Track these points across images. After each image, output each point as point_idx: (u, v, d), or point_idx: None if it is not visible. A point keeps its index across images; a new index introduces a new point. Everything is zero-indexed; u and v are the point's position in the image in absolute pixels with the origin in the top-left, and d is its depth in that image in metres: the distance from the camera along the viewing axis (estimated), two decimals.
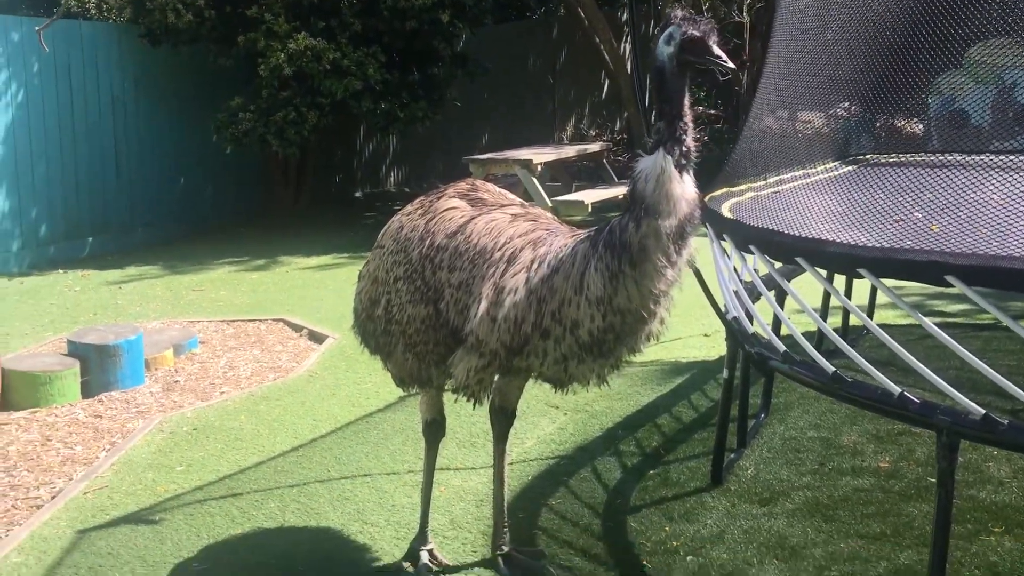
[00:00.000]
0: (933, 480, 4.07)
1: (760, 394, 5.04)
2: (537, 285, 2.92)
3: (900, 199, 3.98)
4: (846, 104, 5.85)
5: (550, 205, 9.97)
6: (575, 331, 2.89)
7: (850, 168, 5.58)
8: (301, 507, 4.24)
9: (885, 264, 2.77)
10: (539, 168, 10.51)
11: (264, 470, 4.70)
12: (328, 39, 10.83)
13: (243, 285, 9.32)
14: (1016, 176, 3.82)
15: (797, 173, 5.02)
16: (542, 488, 4.32)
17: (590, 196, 10.46)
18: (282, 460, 4.81)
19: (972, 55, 6.10)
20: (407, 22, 11.12)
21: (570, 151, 11.68)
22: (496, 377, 3.13)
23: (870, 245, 2.86)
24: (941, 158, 5.81)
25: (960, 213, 3.56)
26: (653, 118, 2.89)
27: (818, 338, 5.45)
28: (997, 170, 4.46)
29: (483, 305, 2.94)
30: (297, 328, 7.54)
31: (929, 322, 2.83)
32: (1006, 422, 2.59)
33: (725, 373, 4.10)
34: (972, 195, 3.96)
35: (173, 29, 10.96)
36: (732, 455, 4.45)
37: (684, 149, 2.76)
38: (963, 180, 4.31)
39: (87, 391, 5.91)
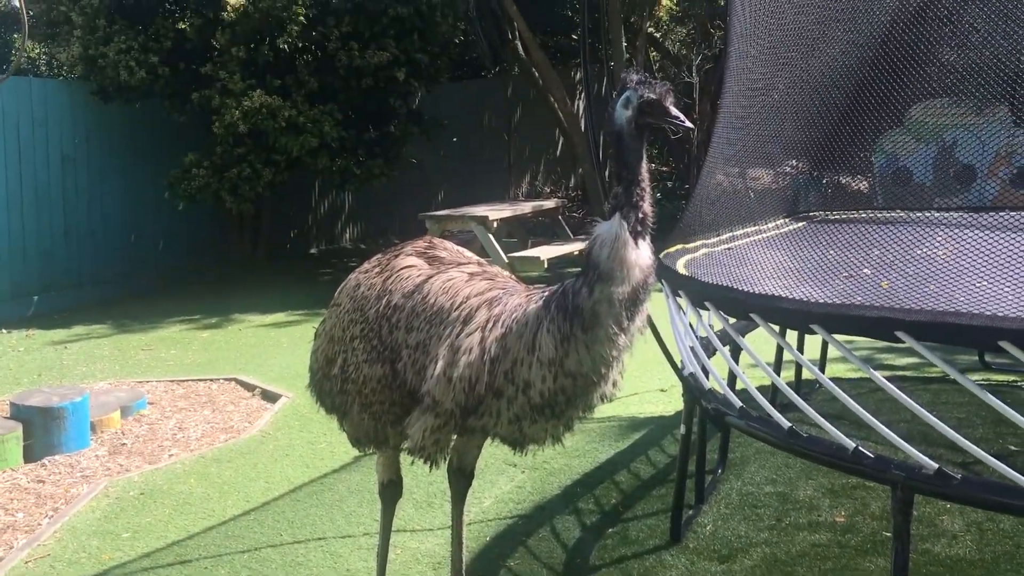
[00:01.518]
0: (888, 534, 4.11)
1: (717, 449, 5.05)
2: (491, 345, 2.91)
3: (849, 255, 4.07)
4: (794, 162, 5.99)
5: (506, 261, 10.00)
6: (527, 391, 2.87)
7: (799, 224, 5.69)
8: (252, 573, 4.13)
9: (837, 320, 2.81)
10: (495, 224, 10.56)
11: (214, 535, 4.57)
12: (284, 96, 10.85)
13: (194, 344, 9.17)
14: (959, 232, 3.93)
15: (749, 229, 5.11)
16: (500, 548, 4.25)
17: (546, 252, 10.51)
18: (233, 524, 4.69)
19: (913, 115, 6.30)
20: (363, 80, 11.21)
21: (526, 207, 11.77)
22: (454, 437, 3.09)
23: (822, 301, 2.91)
24: (886, 215, 5.97)
25: (907, 269, 3.65)
26: (610, 181, 2.92)
27: (772, 393, 5.50)
28: (941, 226, 4.59)
29: (439, 365, 2.92)
30: (250, 387, 7.42)
31: (880, 376, 2.87)
32: (959, 476, 2.62)
33: (682, 429, 4.11)
34: (918, 251, 4.07)
35: (126, 86, 10.91)
36: (690, 511, 4.43)
37: (640, 215, 2.77)
38: (908, 236, 4.43)
39: (30, 455, 5.73)
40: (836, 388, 2.87)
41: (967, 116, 6.54)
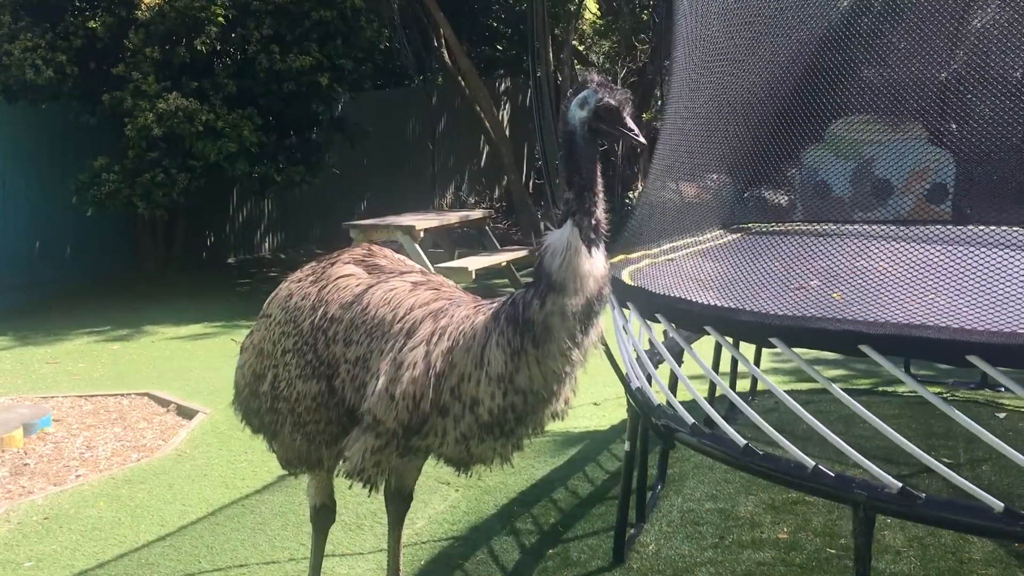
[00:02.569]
0: (832, 551, 4.06)
1: (655, 464, 4.94)
2: (436, 359, 2.72)
3: (792, 267, 4.00)
4: (722, 175, 5.97)
5: (433, 272, 9.79)
6: (475, 409, 2.69)
7: (735, 236, 5.65)
8: None
9: (797, 333, 2.71)
10: (422, 234, 10.35)
11: (126, 564, 4.25)
12: (201, 100, 10.45)
13: (104, 357, 8.70)
14: (890, 245, 3.90)
15: (688, 240, 5.04)
16: (436, 573, 4.05)
17: (474, 263, 10.35)
18: (147, 552, 4.37)
19: (834, 130, 6.35)
20: (284, 84, 10.88)
21: (452, 217, 11.58)
22: (395, 459, 2.89)
23: (781, 314, 2.80)
24: (813, 227, 5.98)
25: (855, 281, 3.59)
26: (560, 188, 2.77)
27: (714, 407, 5.42)
28: (868, 239, 4.58)
29: (381, 382, 2.72)
30: (164, 403, 7.04)
31: (840, 390, 2.78)
32: (923, 496, 2.53)
33: (627, 446, 3.97)
34: (859, 263, 4.03)
35: (31, 86, 10.38)
36: (632, 530, 4.30)
37: (594, 222, 2.62)
38: (845, 249, 4.39)
39: None
40: (795, 404, 2.77)
41: (884, 132, 6.65)
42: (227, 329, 9.60)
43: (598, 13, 18.44)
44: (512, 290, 11.60)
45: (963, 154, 5.62)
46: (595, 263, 2.61)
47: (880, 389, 6.76)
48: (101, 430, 6.44)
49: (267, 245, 15.04)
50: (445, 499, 4.85)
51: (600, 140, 2.75)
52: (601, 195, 2.70)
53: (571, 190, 2.65)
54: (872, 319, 2.60)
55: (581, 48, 18.86)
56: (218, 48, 10.92)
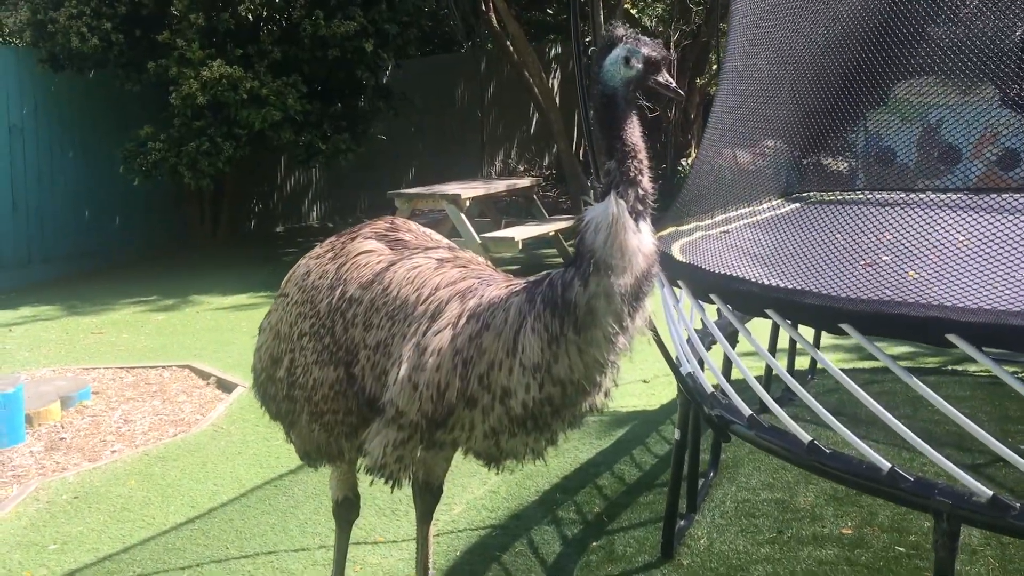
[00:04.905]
0: (901, 549, 3.74)
1: (708, 449, 4.65)
2: (463, 343, 2.45)
3: (858, 241, 3.64)
4: (779, 142, 5.61)
5: (479, 242, 9.52)
6: (505, 401, 2.42)
7: (794, 206, 5.28)
8: None
9: (873, 319, 2.39)
10: (467, 203, 10.06)
11: (152, 548, 4.10)
12: (245, 67, 10.27)
13: (148, 327, 8.63)
14: (963, 216, 3.52)
15: (743, 211, 4.69)
16: (472, 566, 3.81)
17: (521, 233, 10.03)
18: (174, 535, 4.22)
19: (898, 93, 5.91)
20: (329, 51, 10.64)
21: (499, 186, 11.26)
22: (419, 453, 2.63)
23: (853, 297, 2.48)
24: (875, 196, 5.57)
25: (931, 258, 3.23)
26: (601, 157, 2.48)
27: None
28: (937, 209, 4.19)
29: (403, 369, 2.46)
30: (204, 376, 6.92)
31: (905, 371, 2.46)
32: (1018, 505, 2.21)
33: (677, 434, 3.68)
34: (933, 237, 3.65)
35: (77, 54, 10.31)
36: (682, 522, 4.02)
37: (640, 192, 2.33)
38: (914, 220, 4.00)
39: None
40: (867, 397, 2.45)
41: (953, 96, 6.20)
42: (271, 299, 9.38)
43: None
44: (560, 261, 11.29)
45: None
46: (643, 238, 2.33)
47: (949, 368, 6.35)
48: (140, 403, 6.34)
49: (314, 215, 14.92)
50: (484, 483, 4.61)
51: (646, 102, 2.47)
52: (646, 163, 2.40)
53: (613, 159, 2.36)
54: (961, 304, 2.27)
55: (633, 11, 18.32)
56: (263, 14, 10.73)
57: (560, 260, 11.17)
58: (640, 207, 2.34)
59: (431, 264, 2.62)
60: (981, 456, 4.54)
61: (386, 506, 4.36)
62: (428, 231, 2.91)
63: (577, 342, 2.34)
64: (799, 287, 2.64)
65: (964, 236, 3.40)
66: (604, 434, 5.31)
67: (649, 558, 3.78)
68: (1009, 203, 3.73)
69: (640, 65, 2.34)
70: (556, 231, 10.74)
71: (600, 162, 2.47)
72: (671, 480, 3.73)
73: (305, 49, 10.66)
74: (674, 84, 2.35)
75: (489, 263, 2.74)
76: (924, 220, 3.97)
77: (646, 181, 2.37)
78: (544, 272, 2.48)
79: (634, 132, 2.37)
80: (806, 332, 4.74)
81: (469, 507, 4.38)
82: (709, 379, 3.35)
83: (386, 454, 2.53)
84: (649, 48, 2.35)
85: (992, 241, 2.97)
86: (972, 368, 6.22)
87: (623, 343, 2.38)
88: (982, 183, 5.87)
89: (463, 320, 2.47)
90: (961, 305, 2.28)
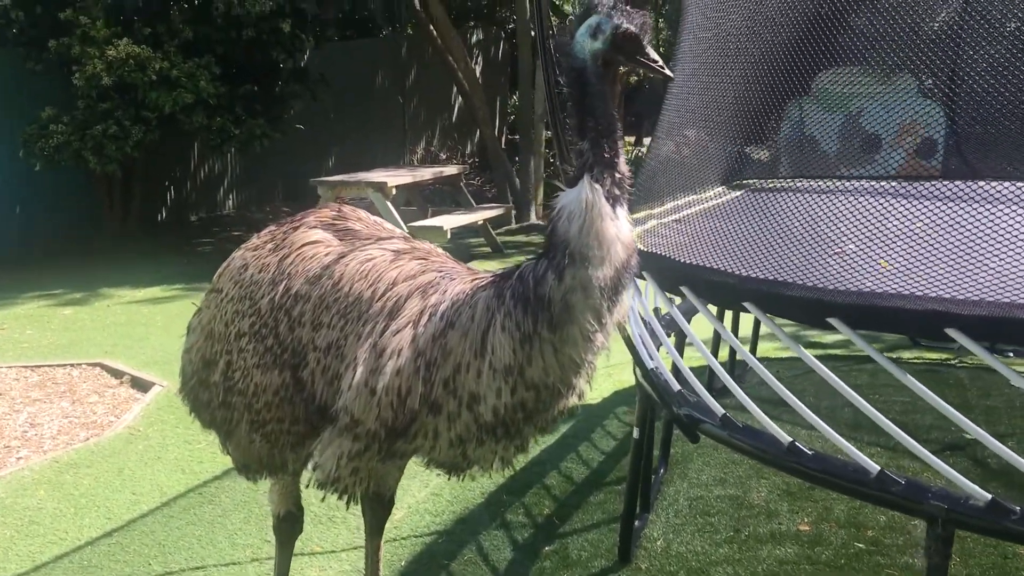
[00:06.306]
0: (860, 545, 3.66)
1: (658, 445, 4.50)
2: (426, 344, 2.22)
3: (818, 229, 3.53)
4: (723, 127, 5.53)
5: (406, 232, 9.24)
6: (474, 407, 2.20)
7: (739, 193, 5.18)
8: None
9: (861, 312, 2.24)
10: (393, 191, 9.77)
11: (65, 566, 3.74)
12: (154, 47, 9.76)
13: (54, 322, 8.10)
14: (906, 203, 3.45)
15: (692, 198, 4.56)
16: None
17: (449, 222, 9.79)
18: (90, 551, 3.87)
19: (820, 82, 5.88)
20: (244, 31, 10.18)
21: (426, 173, 10.99)
22: (374, 463, 2.39)
23: (842, 290, 2.33)
24: (831, 184, 5.52)
25: (896, 246, 3.12)
26: (569, 138, 2.28)
27: (708, 380, 4.98)
28: (872, 196, 4.13)
29: (359, 373, 2.22)
30: (118, 374, 6.49)
31: (893, 366, 2.33)
32: (1019, 509, 2.09)
33: (635, 433, 3.51)
34: (891, 225, 3.56)
35: None
36: (636, 522, 3.86)
37: (617, 176, 2.13)
38: (865, 208, 3.92)
39: None
40: (864, 402, 2.31)
41: (873, 85, 6.22)
42: (187, 292, 9.02)
43: None
44: (488, 250, 11.00)
45: None
46: (621, 225, 2.13)
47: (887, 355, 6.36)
48: (47, 405, 5.90)
49: (230, 203, 14.36)
50: (426, 485, 4.38)
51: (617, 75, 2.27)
52: (621, 143, 2.21)
53: (585, 139, 2.15)
54: (960, 296, 2.14)
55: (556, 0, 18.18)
56: None
57: (488, 249, 10.97)
58: (617, 192, 2.14)
59: (386, 256, 2.38)
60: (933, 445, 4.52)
61: (322, 513, 4.09)
62: (380, 220, 2.66)
63: (552, 341, 2.13)
64: (784, 279, 2.49)
65: (927, 223, 3.31)
66: None
67: (606, 562, 3.62)
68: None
69: (608, 37, 2.14)
70: (484, 220, 10.53)
71: (570, 143, 2.26)
72: (628, 481, 3.56)
73: (218, 29, 10.19)
74: (659, 62, 2.14)
75: (449, 255, 2.50)
76: (880, 207, 3.88)
77: (622, 163, 2.17)
78: (512, 265, 2.26)
79: (608, 110, 2.17)
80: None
81: (411, 512, 4.14)
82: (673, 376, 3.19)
83: (340, 467, 2.29)
84: (624, 19, 2.14)
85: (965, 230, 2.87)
86: (906, 355, 6.25)
87: (601, 341, 2.18)
88: (895, 171, 5.90)
89: (425, 318, 2.23)
90: (959, 297, 2.15)
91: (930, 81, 5.55)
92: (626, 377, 5.61)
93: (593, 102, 2.16)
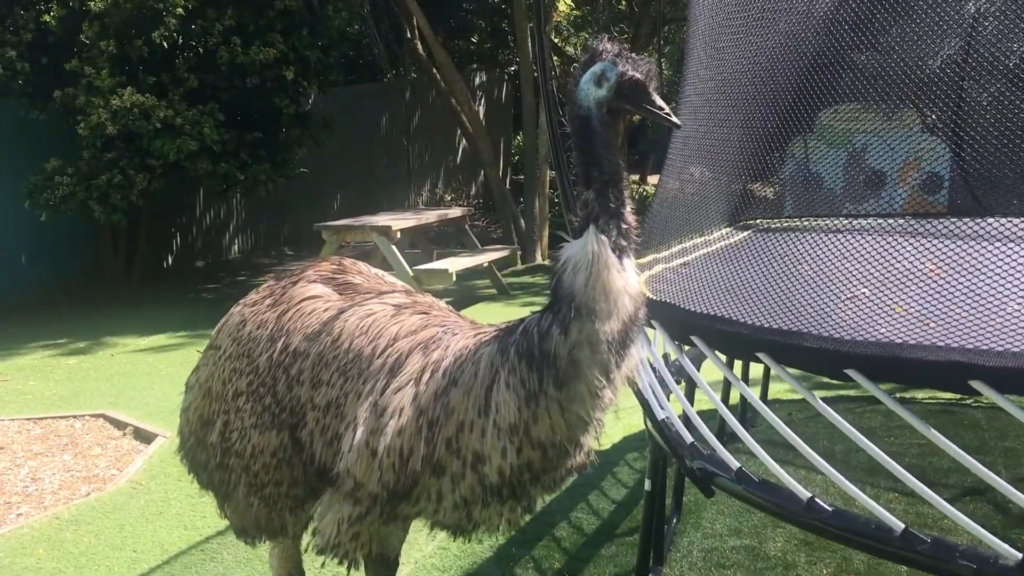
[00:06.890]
0: None
1: (670, 493, 4.39)
2: (428, 402, 2.15)
3: (829, 272, 3.45)
4: (730, 166, 5.49)
5: (411, 275, 9.20)
6: (478, 467, 2.12)
7: (745, 234, 5.12)
8: None
9: (886, 365, 2.16)
10: (398, 235, 9.74)
11: None
12: (159, 96, 9.80)
13: (58, 373, 8.04)
14: (911, 241, 3.37)
15: (698, 241, 4.50)
16: None
17: (454, 265, 9.75)
18: None
19: (823, 120, 5.85)
20: (248, 78, 10.23)
21: (430, 216, 10.97)
22: (376, 527, 2.30)
23: (860, 340, 2.25)
24: (838, 222, 5.45)
25: (911, 289, 3.04)
26: (574, 186, 2.22)
27: (719, 425, 4.87)
28: (878, 235, 4.05)
29: (359, 434, 2.14)
30: (121, 425, 6.41)
31: (931, 430, 2.24)
32: None
33: (647, 485, 3.42)
34: (901, 265, 3.49)
35: None
36: None
37: (623, 226, 2.07)
38: (890, 247, 3.83)
39: None
40: (880, 452, 2.22)
41: (877, 122, 6.19)
42: (192, 339, 8.96)
43: (572, 4, 17.93)
44: (495, 292, 10.94)
45: None
46: (628, 277, 2.06)
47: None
48: (49, 458, 5.82)
49: (236, 248, 14.37)
50: (432, 538, 4.26)
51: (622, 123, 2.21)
52: (628, 192, 2.15)
53: (591, 188, 2.10)
54: (985, 346, 2.06)
55: (557, 41, 18.33)
56: (178, 41, 10.27)
57: (494, 291, 10.91)
58: (623, 242, 2.08)
59: (387, 311, 2.31)
60: (953, 490, 4.40)
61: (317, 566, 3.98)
62: (381, 272, 2.60)
63: (559, 398, 2.06)
64: (797, 329, 2.41)
65: (936, 264, 3.23)
66: None
67: None
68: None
69: (613, 84, 2.09)
70: (489, 262, 10.48)
71: (575, 191, 2.20)
72: (641, 534, 3.46)
73: (222, 76, 10.24)
74: (666, 109, 2.09)
75: (452, 309, 2.44)
76: (888, 247, 3.79)
77: (628, 213, 2.11)
78: (517, 319, 2.20)
79: (613, 158, 2.12)
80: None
81: (418, 567, 4.03)
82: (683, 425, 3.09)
83: (340, 532, 2.20)
84: (629, 65, 2.09)
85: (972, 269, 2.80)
86: (920, 395, 6.13)
87: (609, 397, 2.11)
88: (900, 208, 5.84)
89: (427, 375, 2.16)
90: (984, 347, 2.07)
91: (934, 116, 5.52)
92: (635, 421, 5.51)
93: (598, 151, 2.12)
